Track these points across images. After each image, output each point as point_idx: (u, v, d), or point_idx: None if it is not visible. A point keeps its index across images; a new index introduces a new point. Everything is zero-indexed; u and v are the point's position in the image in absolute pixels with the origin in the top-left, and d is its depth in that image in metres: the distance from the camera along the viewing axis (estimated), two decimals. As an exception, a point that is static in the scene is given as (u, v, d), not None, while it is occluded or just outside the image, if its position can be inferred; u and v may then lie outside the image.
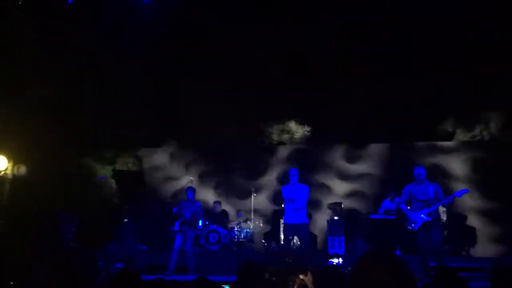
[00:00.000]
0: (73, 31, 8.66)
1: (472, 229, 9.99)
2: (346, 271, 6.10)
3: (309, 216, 8.74)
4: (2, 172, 8.71)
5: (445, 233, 9.13)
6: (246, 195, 11.37)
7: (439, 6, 8.83)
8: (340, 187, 11.55)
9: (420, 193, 7.14)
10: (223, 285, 4.56)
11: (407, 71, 9.89)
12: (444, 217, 9.79)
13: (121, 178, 10.29)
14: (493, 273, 3.39)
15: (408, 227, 7.17)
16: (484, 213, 10.38)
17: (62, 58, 8.80)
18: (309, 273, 5.08)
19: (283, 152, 11.87)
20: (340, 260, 7.07)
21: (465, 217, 10.30)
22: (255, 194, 10.96)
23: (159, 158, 11.99)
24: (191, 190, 9.11)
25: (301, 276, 5.87)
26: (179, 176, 11.87)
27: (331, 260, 7.11)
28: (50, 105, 8.73)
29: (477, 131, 10.76)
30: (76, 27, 8.68)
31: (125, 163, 10.52)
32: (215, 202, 10.94)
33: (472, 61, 9.40)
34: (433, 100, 10.22)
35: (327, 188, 11.59)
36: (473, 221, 10.27)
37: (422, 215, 7.07)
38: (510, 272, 3.09)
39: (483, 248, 9.68)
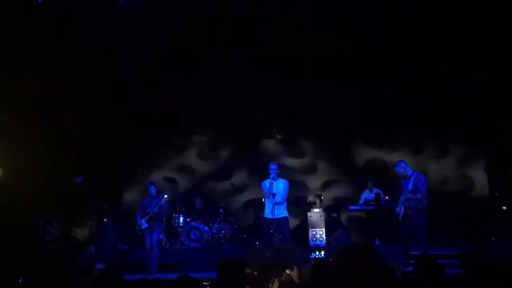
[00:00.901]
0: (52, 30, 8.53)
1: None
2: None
3: (289, 210, 8.82)
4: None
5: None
6: (227, 190, 11.39)
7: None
8: (317, 180, 11.66)
9: (404, 186, 7.71)
10: (205, 283, 4.58)
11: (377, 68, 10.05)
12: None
13: (99, 178, 10.16)
14: (463, 260, 3.50)
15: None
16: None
17: (42, 57, 8.65)
18: (295, 267, 5.14)
19: (266, 146, 11.88)
20: (322, 252, 7.17)
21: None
22: (235, 190, 10.98)
23: (140, 155, 11.90)
24: (153, 184, 8.93)
25: (287, 271, 5.93)
26: (160, 173, 11.81)
27: (313, 253, 7.20)
28: (27, 106, 8.58)
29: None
30: (53, 27, 8.54)
31: (105, 162, 10.38)
32: (196, 198, 10.90)
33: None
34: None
35: (306, 181, 11.68)
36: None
37: (401, 207, 7.56)
38: (478, 258, 3.20)
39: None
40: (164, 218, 9.10)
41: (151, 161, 11.83)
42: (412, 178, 7.57)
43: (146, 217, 8.55)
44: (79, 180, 8.52)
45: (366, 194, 10.39)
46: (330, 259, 6.36)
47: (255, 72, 10.24)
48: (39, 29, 8.45)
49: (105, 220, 9.80)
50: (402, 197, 7.71)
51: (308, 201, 11.00)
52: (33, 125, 8.50)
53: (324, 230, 9.75)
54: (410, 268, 6.79)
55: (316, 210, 10.10)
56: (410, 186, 7.48)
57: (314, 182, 11.65)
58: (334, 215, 11.07)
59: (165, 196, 8.81)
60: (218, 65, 10.05)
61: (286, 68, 10.04)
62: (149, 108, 10.68)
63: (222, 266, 3.00)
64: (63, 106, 8.98)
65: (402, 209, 7.57)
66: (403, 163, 7.85)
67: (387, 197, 10.05)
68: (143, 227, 8.63)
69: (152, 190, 8.78)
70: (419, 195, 7.44)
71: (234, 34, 9.44)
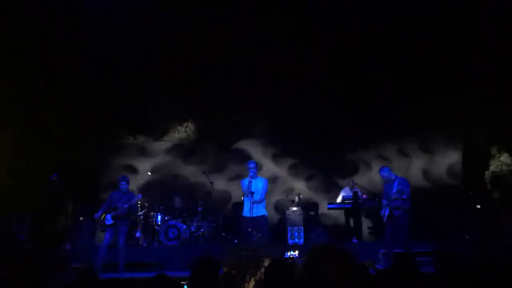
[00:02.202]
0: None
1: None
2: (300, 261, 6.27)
3: (268, 208, 8.85)
4: None
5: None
6: (205, 189, 11.36)
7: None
8: (296, 178, 11.71)
9: (387, 190, 7.99)
10: (182, 282, 4.56)
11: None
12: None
13: (75, 176, 10.01)
14: (435, 258, 3.56)
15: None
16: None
17: (14, 52, 8.48)
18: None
19: (244, 145, 11.88)
20: (297, 252, 7.20)
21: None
22: (214, 188, 10.94)
23: (116, 153, 11.77)
24: (124, 180, 8.42)
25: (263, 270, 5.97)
26: (136, 171, 11.70)
27: (287, 252, 7.22)
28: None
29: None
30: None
31: (81, 160, 10.24)
32: (175, 196, 10.82)
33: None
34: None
35: (284, 180, 11.73)
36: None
37: (385, 210, 7.89)
38: (449, 256, 3.26)
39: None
40: (131, 219, 8.68)
41: (127, 159, 11.73)
42: (396, 182, 7.87)
43: (112, 213, 8.10)
44: (54, 178, 8.31)
45: (345, 193, 10.48)
46: (289, 260, 6.39)
47: (234, 72, 10.23)
48: (7, 24, 8.25)
49: (81, 218, 9.64)
50: (384, 201, 7.99)
51: (286, 200, 11.05)
52: (6, 122, 8.33)
53: (302, 228, 9.83)
54: (380, 266, 6.98)
55: (295, 208, 10.16)
56: (395, 189, 7.77)
57: (293, 180, 11.70)
58: (312, 213, 11.14)
59: (139, 196, 8.55)
60: (196, 65, 10.00)
61: (264, 68, 10.06)
62: (125, 106, 10.57)
63: (195, 266, 2.98)
64: (37, 103, 8.81)
65: (387, 211, 7.83)
66: (387, 168, 8.19)
67: (364, 196, 10.16)
68: (107, 223, 8.12)
69: (123, 185, 8.29)
70: (404, 196, 7.71)
71: (212, 33, 9.39)
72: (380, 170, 8.16)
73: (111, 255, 8.18)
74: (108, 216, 8.13)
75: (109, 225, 8.12)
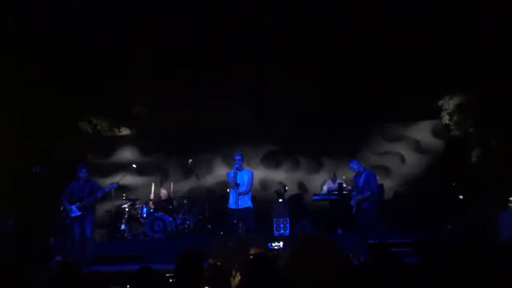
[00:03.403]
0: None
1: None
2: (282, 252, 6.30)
3: (254, 200, 8.85)
4: None
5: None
6: (191, 180, 11.33)
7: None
8: (282, 170, 11.74)
9: (356, 183, 8.52)
10: (168, 274, 4.55)
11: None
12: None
13: (58, 169, 9.88)
14: (417, 247, 3.60)
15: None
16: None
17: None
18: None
19: (231, 135, 11.84)
20: (281, 243, 7.23)
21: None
22: (199, 180, 10.92)
23: (101, 145, 11.67)
24: (85, 167, 7.96)
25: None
26: (122, 163, 11.61)
27: (271, 243, 7.24)
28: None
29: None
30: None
31: (63, 152, 10.11)
32: (160, 189, 10.79)
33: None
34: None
35: (270, 171, 11.75)
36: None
37: (354, 201, 8.40)
38: (431, 245, 3.30)
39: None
40: (95, 209, 8.26)
41: (111, 151, 11.64)
42: (364, 175, 8.35)
43: (78, 204, 7.71)
44: (36, 171, 8.15)
45: (329, 184, 10.54)
46: (274, 252, 6.41)
47: (222, 61, 10.16)
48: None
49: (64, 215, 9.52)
50: (354, 193, 8.54)
51: (272, 191, 11.07)
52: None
53: (288, 219, 9.86)
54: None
55: (280, 199, 10.18)
56: (361, 183, 8.30)
57: (279, 172, 11.73)
58: (298, 204, 11.17)
59: (115, 185, 8.17)
60: (187, 54, 9.93)
61: (252, 58, 10.01)
62: (109, 97, 10.45)
63: (180, 259, 2.97)
64: (19, 95, 8.67)
65: (354, 203, 8.40)
66: (356, 161, 8.71)
67: (349, 187, 10.22)
68: (73, 215, 7.72)
69: (83, 173, 7.83)
70: (368, 193, 8.23)
71: (200, 22, 9.32)
72: (350, 162, 8.65)
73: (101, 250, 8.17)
74: (73, 207, 7.73)
75: (76, 217, 7.75)
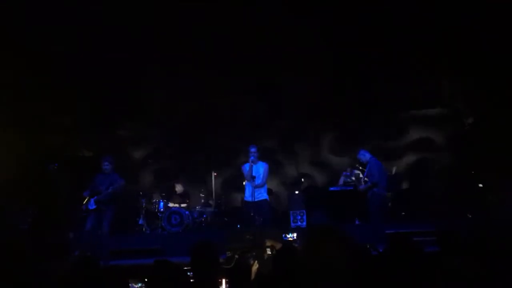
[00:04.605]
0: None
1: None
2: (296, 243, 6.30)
3: (270, 192, 8.84)
4: None
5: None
6: (207, 174, 11.35)
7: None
8: (298, 162, 11.69)
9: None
10: (185, 267, 4.55)
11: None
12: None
13: (75, 164, 9.98)
14: (439, 236, 3.55)
15: None
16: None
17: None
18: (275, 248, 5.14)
19: (243, 129, 11.82)
20: (295, 235, 7.23)
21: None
22: (215, 173, 10.93)
23: (115, 141, 11.75)
24: (108, 160, 7.87)
25: (268, 251, 5.99)
26: (137, 158, 11.69)
27: (285, 235, 7.24)
28: None
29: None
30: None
31: (79, 149, 10.22)
32: (176, 183, 10.83)
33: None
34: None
35: (286, 164, 11.71)
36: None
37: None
38: (453, 234, 3.25)
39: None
40: (116, 203, 8.05)
41: (126, 147, 11.70)
42: (368, 165, 8.54)
43: (95, 197, 7.68)
44: (54, 167, 8.22)
45: (347, 175, 10.45)
46: (296, 244, 6.42)
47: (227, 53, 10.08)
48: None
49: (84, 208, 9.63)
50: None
51: (289, 183, 11.05)
52: (4, 112, 8.27)
53: (304, 211, 9.82)
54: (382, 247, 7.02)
55: (297, 192, 10.15)
56: (365, 173, 8.50)
57: (295, 165, 11.69)
58: (315, 196, 11.12)
59: (122, 182, 7.92)
60: (190, 48, 9.87)
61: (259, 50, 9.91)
62: (122, 95, 10.49)
63: (195, 251, 2.96)
64: (34, 93, 8.74)
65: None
66: (362, 150, 8.82)
67: (366, 178, 10.12)
68: (90, 208, 7.71)
69: (107, 166, 7.80)
70: (369, 183, 8.46)
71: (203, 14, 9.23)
72: (358, 153, 8.80)
73: (117, 244, 8.22)
74: (92, 199, 7.72)
75: (92, 210, 7.73)
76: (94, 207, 7.72)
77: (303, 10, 8.97)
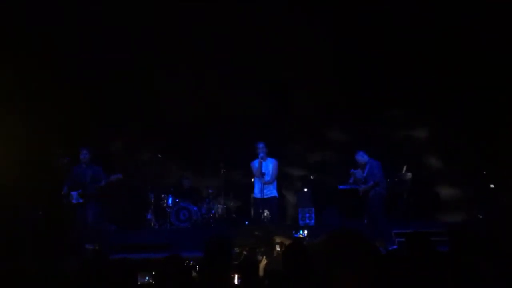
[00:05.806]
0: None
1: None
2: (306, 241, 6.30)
3: (279, 189, 8.82)
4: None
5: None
6: (216, 170, 11.33)
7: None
8: (307, 159, 11.65)
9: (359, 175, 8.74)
10: (194, 263, 4.57)
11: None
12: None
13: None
14: (450, 235, 3.52)
15: None
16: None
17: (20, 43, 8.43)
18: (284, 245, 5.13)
19: (252, 125, 11.79)
20: (305, 232, 7.23)
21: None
22: (224, 170, 10.92)
23: (123, 137, 11.78)
24: (86, 150, 7.52)
25: (277, 248, 5.98)
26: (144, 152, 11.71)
27: (295, 232, 7.25)
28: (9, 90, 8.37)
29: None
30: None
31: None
32: (185, 179, 10.84)
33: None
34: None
35: (295, 160, 11.67)
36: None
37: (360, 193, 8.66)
38: (466, 233, 3.21)
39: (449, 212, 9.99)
40: (103, 198, 7.81)
41: (133, 142, 11.72)
42: (368, 165, 8.47)
43: (80, 191, 7.37)
44: (66, 161, 8.21)
45: (358, 173, 10.38)
46: (306, 242, 6.41)
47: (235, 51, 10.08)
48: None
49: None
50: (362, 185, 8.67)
51: (297, 181, 11.01)
52: (13, 110, 8.30)
53: (313, 209, 9.78)
54: (394, 246, 7.05)
55: (306, 189, 10.11)
56: (365, 173, 8.45)
57: (304, 161, 11.64)
58: (324, 194, 11.08)
59: (119, 175, 7.71)
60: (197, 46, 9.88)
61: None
62: (131, 90, 10.52)
63: (208, 246, 2.96)
64: (42, 93, 8.78)
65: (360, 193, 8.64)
66: (361, 152, 8.70)
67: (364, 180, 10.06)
68: (73, 202, 7.39)
69: (84, 155, 7.48)
70: (371, 182, 8.37)
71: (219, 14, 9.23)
72: (356, 154, 8.69)
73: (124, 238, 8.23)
74: (74, 193, 7.43)
75: (78, 204, 7.44)
76: (80, 201, 7.42)
77: (303, 10, 8.98)
